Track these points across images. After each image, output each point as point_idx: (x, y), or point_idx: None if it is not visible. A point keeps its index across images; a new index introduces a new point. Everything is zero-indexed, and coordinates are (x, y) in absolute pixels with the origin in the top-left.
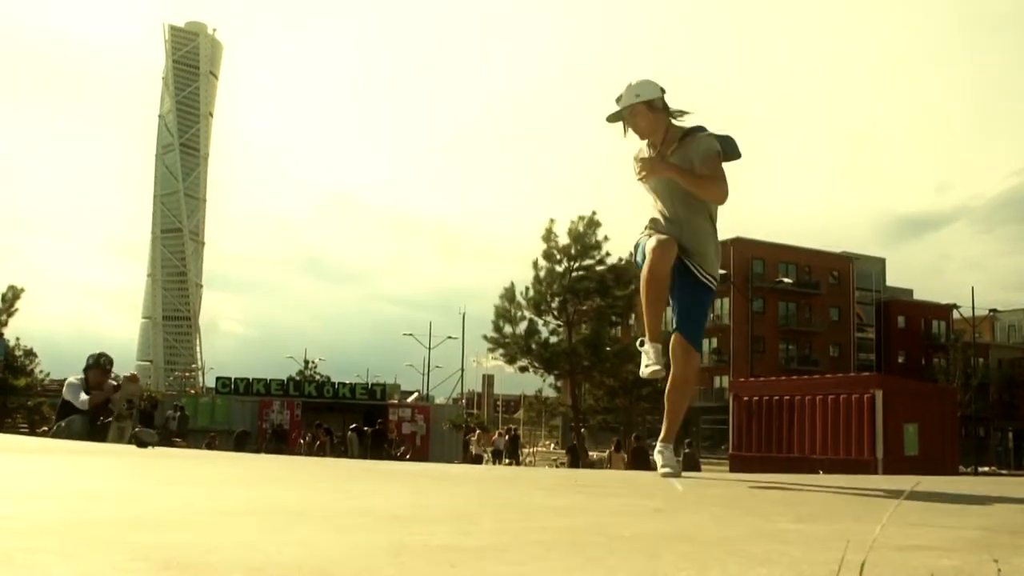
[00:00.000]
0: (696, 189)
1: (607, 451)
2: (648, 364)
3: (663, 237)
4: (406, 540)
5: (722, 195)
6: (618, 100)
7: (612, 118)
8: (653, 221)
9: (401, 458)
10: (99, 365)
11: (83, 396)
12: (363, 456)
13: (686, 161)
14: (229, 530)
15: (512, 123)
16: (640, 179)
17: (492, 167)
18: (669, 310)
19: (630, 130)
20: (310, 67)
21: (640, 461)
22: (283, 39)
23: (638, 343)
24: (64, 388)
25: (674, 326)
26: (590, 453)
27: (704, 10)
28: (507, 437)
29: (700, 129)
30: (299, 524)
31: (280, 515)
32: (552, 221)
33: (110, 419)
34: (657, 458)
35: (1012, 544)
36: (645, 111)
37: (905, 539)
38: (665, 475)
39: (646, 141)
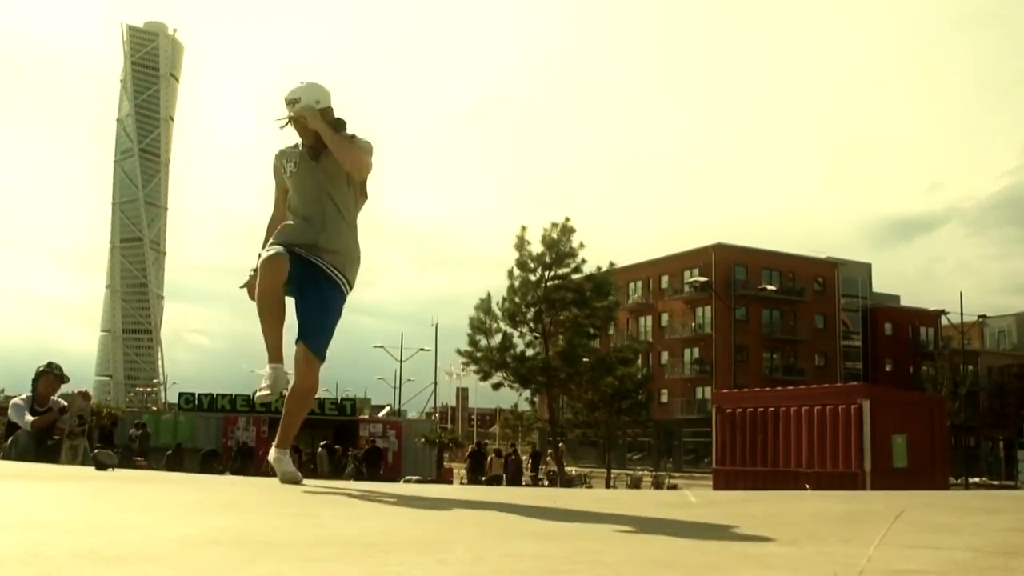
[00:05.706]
0: (339, 148)
1: (489, 459)
2: (260, 389)
3: (272, 252)
4: (378, 572)
5: (364, 163)
6: (293, 102)
7: (285, 118)
8: (283, 227)
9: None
10: (49, 371)
11: (28, 417)
12: (333, 475)
13: (339, 167)
14: (191, 563)
15: (484, 126)
16: (293, 125)
17: (466, 171)
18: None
19: (291, 127)
20: (276, 68)
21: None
22: (247, 39)
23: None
24: (9, 409)
25: (298, 335)
26: (568, 469)
27: (683, 12)
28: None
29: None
30: (265, 555)
31: (245, 545)
32: (524, 228)
33: (58, 437)
34: (276, 465)
35: (1004, 567)
36: (320, 118)
37: (895, 562)
38: (287, 481)
39: (300, 143)
